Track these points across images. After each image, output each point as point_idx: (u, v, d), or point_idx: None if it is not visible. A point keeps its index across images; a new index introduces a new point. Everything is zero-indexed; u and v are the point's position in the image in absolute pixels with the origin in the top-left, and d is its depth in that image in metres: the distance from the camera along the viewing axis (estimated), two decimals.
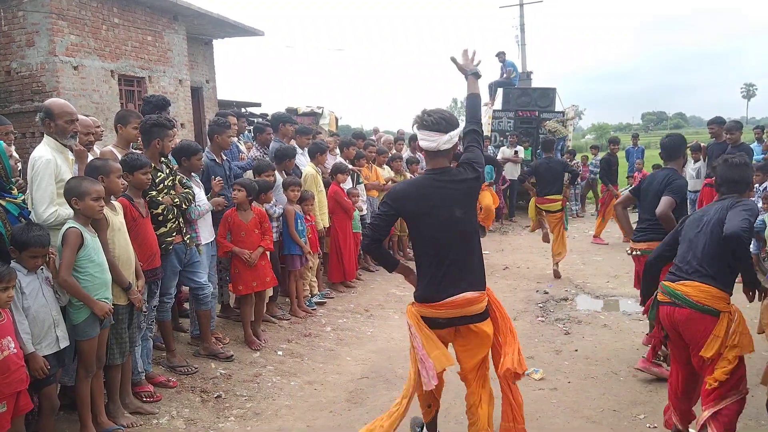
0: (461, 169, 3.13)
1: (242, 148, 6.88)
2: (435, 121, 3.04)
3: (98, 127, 4.72)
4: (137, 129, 4.49)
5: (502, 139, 13.48)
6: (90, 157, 4.14)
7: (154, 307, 4.35)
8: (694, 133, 63.05)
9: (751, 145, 8.01)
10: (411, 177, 8.91)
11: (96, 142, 4.76)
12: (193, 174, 4.99)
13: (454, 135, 3.07)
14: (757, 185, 7.12)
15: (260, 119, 13.00)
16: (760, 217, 6.82)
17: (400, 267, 3.33)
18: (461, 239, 3.10)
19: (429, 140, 3.06)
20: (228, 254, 5.29)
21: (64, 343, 3.31)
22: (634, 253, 5.02)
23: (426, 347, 3.11)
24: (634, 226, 5.03)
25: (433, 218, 3.05)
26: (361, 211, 7.75)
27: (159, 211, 4.29)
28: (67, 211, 3.49)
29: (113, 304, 3.62)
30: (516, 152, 12.99)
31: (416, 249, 3.22)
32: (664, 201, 4.58)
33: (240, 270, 5.24)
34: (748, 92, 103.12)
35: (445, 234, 3.06)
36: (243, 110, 15.49)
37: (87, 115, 4.60)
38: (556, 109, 14.34)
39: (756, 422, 3.72)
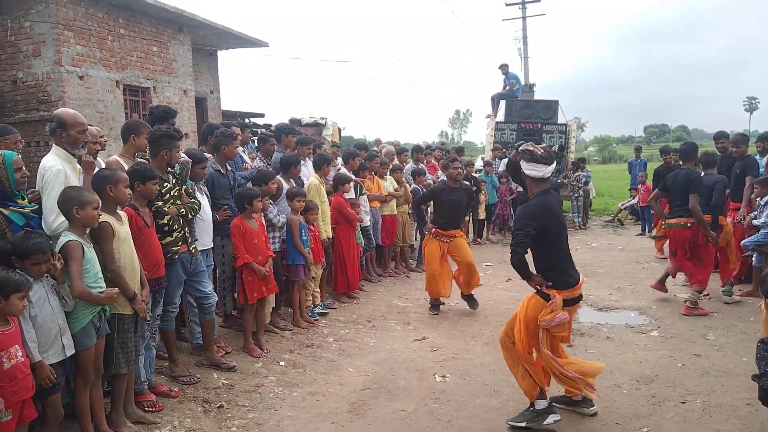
0: (554, 192, 4.14)
1: (246, 158, 6.92)
2: (543, 156, 3.91)
3: (102, 137, 4.76)
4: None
5: (504, 150, 13.53)
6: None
7: (158, 316, 4.37)
8: None
9: (756, 158, 8.03)
10: (416, 187, 8.95)
11: (100, 152, 4.80)
12: (198, 182, 5.05)
13: (552, 168, 3.98)
14: (758, 199, 7.14)
15: (264, 130, 13.05)
16: (764, 231, 6.85)
17: (534, 276, 4.05)
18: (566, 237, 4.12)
19: (537, 170, 3.94)
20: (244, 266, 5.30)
21: (70, 351, 3.32)
22: (665, 227, 6.96)
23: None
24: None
25: (561, 226, 4.03)
26: (363, 222, 7.77)
27: (165, 221, 4.31)
28: None
29: (119, 314, 3.64)
30: None
31: (550, 251, 3.98)
32: (692, 198, 6.38)
33: (253, 278, 5.27)
34: (751, 105, 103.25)
35: (564, 233, 4.09)
36: (247, 121, 15.54)
37: (91, 125, 4.64)
38: (558, 122, 14.39)
39: None
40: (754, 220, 7.05)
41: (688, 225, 6.53)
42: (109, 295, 3.48)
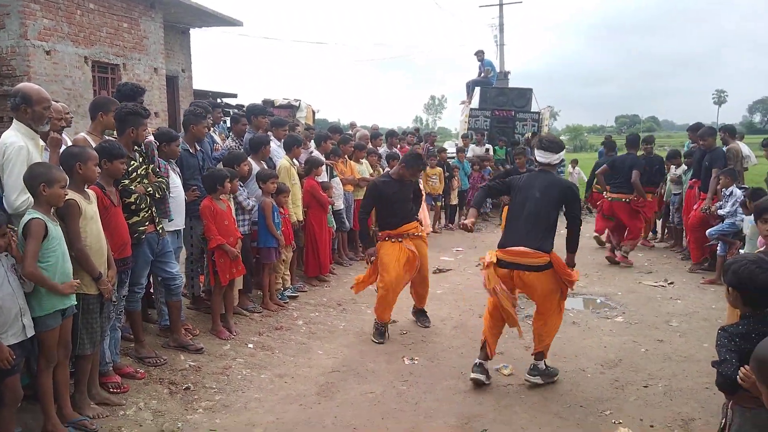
0: (561, 180, 4.69)
1: (217, 138, 6.82)
2: (549, 145, 4.52)
3: (68, 113, 4.63)
4: None
5: (477, 137, 13.62)
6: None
7: (124, 296, 4.30)
8: (665, 136, 64.21)
9: (722, 149, 8.21)
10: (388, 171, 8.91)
11: (65, 128, 4.67)
12: (170, 160, 4.97)
13: (562, 155, 4.65)
14: (723, 189, 7.30)
15: (236, 110, 12.89)
16: (728, 221, 7.01)
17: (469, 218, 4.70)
18: (534, 212, 4.35)
19: (544, 157, 4.52)
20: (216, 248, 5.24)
21: (31, 332, 3.24)
22: (609, 198, 8.70)
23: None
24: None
25: (525, 199, 4.41)
26: (335, 205, 7.72)
27: (132, 200, 4.23)
28: None
29: (84, 294, 3.57)
30: (487, 150, 13.16)
31: (508, 214, 4.61)
32: (634, 173, 8.33)
33: (225, 260, 5.22)
34: (720, 98, 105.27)
35: (527, 210, 4.37)
36: (219, 101, 15.32)
37: (56, 101, 4.51)
38: (531, 110, 14.49)
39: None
40: (719, 210, 7.22)
41: (627, 200, 8.49)
42: (69, 287, 3.37)
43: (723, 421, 2.72)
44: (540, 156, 4.54)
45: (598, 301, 6.83)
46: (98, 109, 4.48)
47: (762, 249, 3.63)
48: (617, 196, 8.53)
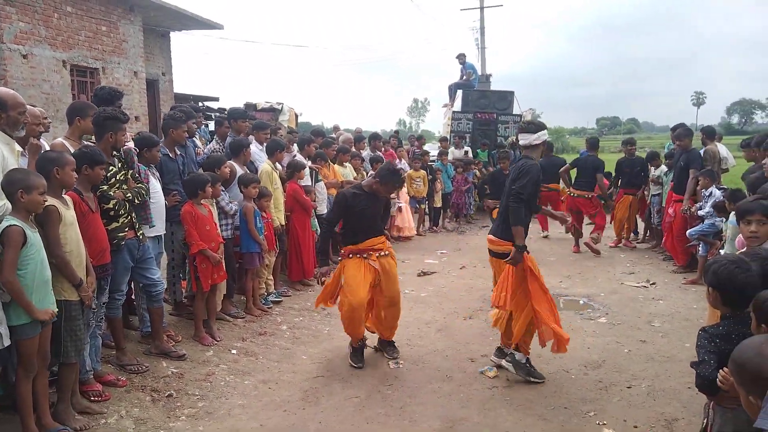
0: (523, 163, 4.56)
1: (198, 143, 6.76)
2: (526, 126, 4.75)
3: (45, 118, 4.55)
4: None
5: (455, 140, 13.70)
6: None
7: (104, 303, 4.24)
8: (646, 137, 64.93)
9: (699, 151, 8.28)
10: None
11: (43, 134, 4.60)
12: (150, 165, 4.93)
13: (541, 135, 4.63)
14: (703, 190, 7.38)
15: (217, 113, 12.80)
16: (708, 221, 7.09)
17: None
18: (503, 203, 4.65)
19: (523, 138, 4.67)
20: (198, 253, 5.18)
21: (7, 342, 3.18)
22: (573, 195, 9.65)
23: None
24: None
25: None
26: (318, 209, 7.68)
27: (110, 205, 4.18)
28: None
29: (66, 301, 3.50)
30: (466, 153, 13.23)
31: None
32: (598, 176, 9.46)
33: (207, 265, 5.17)
34: (698, 100, 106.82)
35: (503, 197, 4.69)
36: (200, 104, 15.22)
37: (34, 105, 4.44)
38: (513, 112, 14.56)
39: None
40: (699, 211, 7.30)
41: (589, 197, 9.49)
42: (45, 314, 3.27)
43: (705, 421, 2.75)
44: (521, 139, 4.73)
45: (581, 302, 6.87)
46: (75, 113, 4.43)
47: (743, 250, 3.66)
48: (581, 193, 9.57)
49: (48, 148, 4.22)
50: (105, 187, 4.17)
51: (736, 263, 2.53)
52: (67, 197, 3.69)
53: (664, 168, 9.34)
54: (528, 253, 4.47)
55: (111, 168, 4.28)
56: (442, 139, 13.62)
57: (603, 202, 9.63)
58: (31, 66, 10.90)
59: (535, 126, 4.69)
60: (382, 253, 4.97)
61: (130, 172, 4.51)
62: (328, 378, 4.68)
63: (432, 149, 14.60)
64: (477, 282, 7.66)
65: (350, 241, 4.99)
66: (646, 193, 9.86)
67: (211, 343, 5.20)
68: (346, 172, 8.68)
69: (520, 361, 4.53)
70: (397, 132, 17.72)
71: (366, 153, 10.17)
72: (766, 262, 2.64)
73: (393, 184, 5.02)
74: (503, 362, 4.62)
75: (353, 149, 9.62)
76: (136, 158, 4.74)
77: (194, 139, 6.54)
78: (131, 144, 4.82)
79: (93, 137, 4.44)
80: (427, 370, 4.82)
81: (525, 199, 4.36)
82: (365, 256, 4.91)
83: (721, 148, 8.56)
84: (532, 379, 4.50)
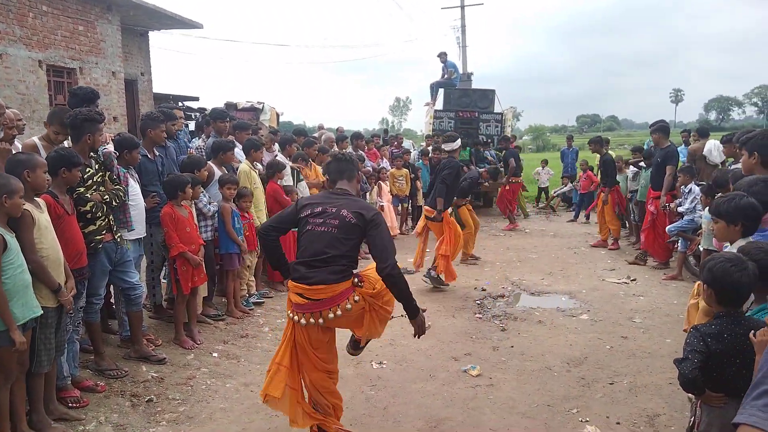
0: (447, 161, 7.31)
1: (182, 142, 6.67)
2: (448, 138, 7.46)
3: (20, 120, 4.46)
4: None
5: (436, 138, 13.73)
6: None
7: (81, 308, 4.16)
8: (626, 135, 65.64)
9: (679, 148, 8.37)
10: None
11: (18, 136, 4.51)
12: (130, 167, 4.87)
13: (458, 143, 7.43)
14: (682, 187, 7.46)
15: (197, 113, 12.68)
16: (687, 217, 7.16)
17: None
18: None
19: (447, 146, 7.36)
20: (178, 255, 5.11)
21: None
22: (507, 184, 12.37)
23: None
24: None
25: None
26: None
27: (87, 208, 4.10)
28: None
29: (42, 306, 3.43)
30: None
31: None
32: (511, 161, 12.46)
33: (187, 268, 5.11)
34: (677, 97, 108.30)
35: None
36: (180, 104, 15.06)
37: (8, 107, 4.35)
38: (495, 110, 14.60)
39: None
40: (678, 208, 7.37)
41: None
42: (18, 340, 3.16)
43: (692, 419, 2.76)
44: (445, 147, 7.41)
45: (563, 299, 6.90)
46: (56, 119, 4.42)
47: (744, 244, 3.66)
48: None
49: (18, 149, 4.14)
50: (81, 189, 4.09)
51: (732, 261, 2.49)
52: (40, 200, 3.61)
53: (633, 169, 9.63)
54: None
55: (88, 170, 4.20)
56: (428, 137, 13.63)
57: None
58: (6, 66, 10.70)
59: (454, 137, 7.42)
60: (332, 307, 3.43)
61: (108, 174, 4.43)
62: None
63: (408, 146, 14.64)
64: (460, 280, 7.67)
65: (298, 276, 3.38)
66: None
67: (192, 347, 5.14)
68: None
69: (434, 276, 7.18)
70: (386, 131, 17.71)
71: (348, 152, 10.13)
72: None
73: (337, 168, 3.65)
74: (422, 276, 7.29)
75: (335, 148, 9.57)
76: (115, 161, 4.66)
77: (178, 139, 6.43)
78: (111, 147, 4.73)
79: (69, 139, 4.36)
80: (410, 370, 4.80)
81: (448, 183, 6.95)
82: (302, 318, 3.42)
83: (709, 144, 8.56)
84: (441, 287, 7.21)
